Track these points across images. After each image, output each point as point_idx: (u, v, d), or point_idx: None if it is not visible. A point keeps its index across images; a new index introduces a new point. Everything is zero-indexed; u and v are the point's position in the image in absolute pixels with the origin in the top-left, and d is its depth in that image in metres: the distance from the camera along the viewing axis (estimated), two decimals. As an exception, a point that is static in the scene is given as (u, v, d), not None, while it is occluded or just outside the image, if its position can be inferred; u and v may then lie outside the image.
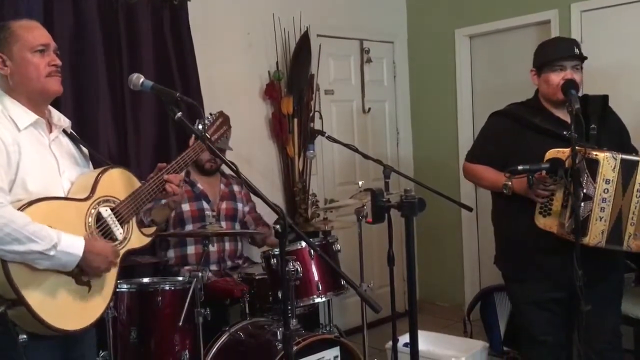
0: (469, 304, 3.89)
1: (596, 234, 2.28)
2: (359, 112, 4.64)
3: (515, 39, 4.17)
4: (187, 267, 3.03)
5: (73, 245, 1.78)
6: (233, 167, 1.84)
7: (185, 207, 3.08)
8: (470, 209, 3.06)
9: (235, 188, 3.30)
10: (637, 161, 2.26)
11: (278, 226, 1.73)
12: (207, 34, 3.67)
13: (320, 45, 4.18)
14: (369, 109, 4.66)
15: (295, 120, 3.96)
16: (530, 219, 2.39)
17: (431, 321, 4.18)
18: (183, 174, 2.18)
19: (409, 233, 1.71)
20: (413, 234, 1.75)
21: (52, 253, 1.73)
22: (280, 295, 2.69)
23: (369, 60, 4.62)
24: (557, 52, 2.48)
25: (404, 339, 2.82)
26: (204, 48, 3.62)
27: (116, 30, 3.22)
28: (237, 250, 3.21)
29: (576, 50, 2.47)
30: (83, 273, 1.85)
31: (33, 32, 1.92)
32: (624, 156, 2.27)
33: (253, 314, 2.79)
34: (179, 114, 1.93)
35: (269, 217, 3.25)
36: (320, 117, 4.16)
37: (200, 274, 2.50)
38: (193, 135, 3.10)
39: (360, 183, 3.12)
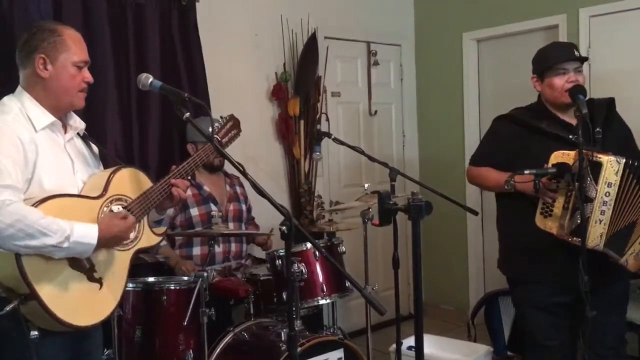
0: (473, 308, 3.89)
1: (595, 237, 2.28)
2: (366, 114, 4.64)
3: (523, 43, 4.17)
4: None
5: (87, 235, 1.80)
6: (240, 168, 1.85)
7: (194, 211, 3.09)
8: (475, 213, 3.06)
9: (238, 189, 3.32)
10: None
11: (284, 227, 1.73)
12: (214, 34, 3.69)
13: (327, 47, 4.19)
14: (376, 111, 4.67)
15: (302, 121, 3.97)
16: (534, 223, 2.39)
17: (435, 325, 4.18)
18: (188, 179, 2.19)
19: (416, 236, 1.71)
20: (420, 237, 1.75)
21: (65, 245, 1.75)
22: (284, 296, 2.69)
23: (376, 63, 4.63)
24: (558, 56, 2.48)
25: (408, 342, 2.82)
26: (212, 49, 3.63)
27: (124, 31, 3.24)
28: (242, 250, 3.23)
29: (576, 53, 2.47)
30: (95, 269, 1.87)
31: (80, 46, 1.98)
32: (629, 161, 2.27)
33: (257, 315, 2.80)
34: (187, 114, 1.95)
35: (275, 218, 3.25)
36: (327, 119, 4.16)
37: (205, 274, 2.51)
38: (189, 144, 3.15)
39: (366, 185, 3.12)
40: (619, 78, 3.73)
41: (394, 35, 4.79)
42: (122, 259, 1.97)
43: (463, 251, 4.70)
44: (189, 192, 2.24)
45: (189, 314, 2.47)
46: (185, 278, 2.71)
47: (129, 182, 2.04)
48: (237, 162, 1.88)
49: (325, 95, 4.20)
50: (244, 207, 3.30)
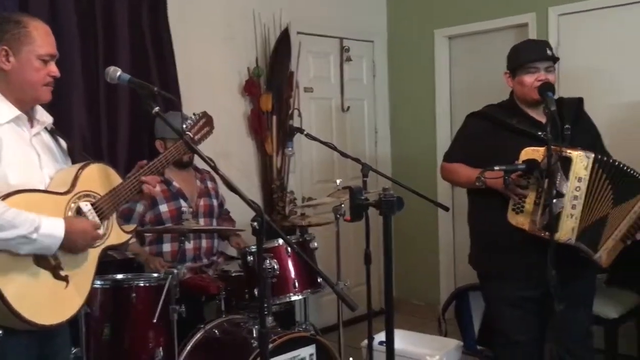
0: (444, 303, 3.92)
1: (567, 231, 2.31)
2: (338, 110, 4.64)
3: (494, 40, 4.21)
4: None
5: (54, 227, 1.77)
6: (211, 163, 1.83)
7: (163, 207, 3.05)
8: (446, 209, 3.09)
9: (209, 184, 3.28)
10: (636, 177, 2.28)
11: (255, 223, 1.72)
12: (186, 28, 3.64)
13: (300, 43, 4.17)
14: (348, 107, 4.67)
15: (274, 117, 3.95)
16: (504, 217, 2.42)
17: (406, 320, 4.20)
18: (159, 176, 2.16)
19: (388, 232, 1.71)
20: (391, 233, 1.75)
21: (34, 236, 1.72)
22: (256, 293, 2.68)
23: (349, 59, 4.63)
24: (530, 54, 2.51)
25: (380, 337, 2.83)
26: (183, 42, 3.59)
27: (93, 22, 3.17)
28: (213, 247, 3.20)
29: (548, 52, 2.50)
30: (61, 267, 1.83)
31: (47, 39, 1.92)
32: (597, 155, 2.31)
33: (229, 311, 2.78)
34: (157, 108, 1.92)
35: (247, 214, 3.23)
36: (300, 115, 4.15)
37: (175, 271, 2.48)
38: (157, 141, 3.11)
39: (338, 181, 3.12)
40: (587, 76, 3.79)
41: (367, 31, 4.79)
42: (89, 256, 1.93)
43: (434, 247, 4.75)
44: (157, 187, 2.21)
45: (158, 311, 2.44)
46: (155, 275, 2.67)
47: (98, 178, 2.00)
48: (207, 157, 1.86)
49: (298, 91, 4.19)
50: (214, 202, 3.27)
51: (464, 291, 3.73)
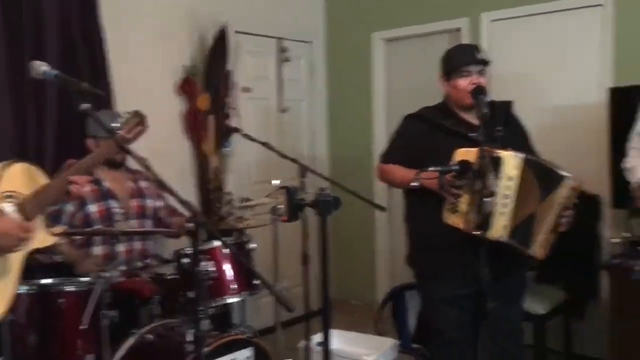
0: (380, 303, 3.96)
1: (499, 228, 2.37)
2: (276, 110, 4.62)
3: (429, 44, 4.30)
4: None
5: None
6: (144, 162, 1.77)
7: (93, 207, 2.92)
8: (383, 209, 3.11)
9: (143, 184, 3.17)
10: (563, 176, 2.34)
11: (191, 224, 1.68)
12: (118, 24, 3.53)
13: (238, 42, 4.13)
14: (286, 108, 4.66)
15: (211, 117, 3.88)
16: (440, 217, 2.46)
17: (344, 320, 4.22)
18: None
19: (324, 231, 1.70)
20: (328, 233, 1.75)
21: None
22: (192, 296, 2.62)
23: (287, 59, 4.62)
24: (462, 58, 2.57)
25: (318, 338, 2.83)
26: (116, 39, 3.48)
27: (19, 16, 3.03)
28: (147, 249, 3.10)
29: (480, 56, 2.57)
30: None
31: None
32: (526, 156, 2.38)
33: (163, 315, 2.70)
34: (86, 106, 1.84)
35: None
36: (237, 115, 4.10)
37: (106, 275, 2.39)
38: (89, 139, 2.99)
39: (275, 182, 3.09)
40: (516, 80, 3.93)
41: (305, 32, 4.80)
42: (12, 260, 1.84)
43: (371, 247, 4.80)
44: (87, 187, 2.12)
45: (88, 316, 2.35)
46: (85, 279, 2.56)
47: (22, 177, 1.91)
48: (140, 157, 1.80)
49: (236, 91, 4.14)
50: (149, 203, 3.17)
51: (400, 290, 3.77)
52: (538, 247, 2.39)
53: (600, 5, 3.64)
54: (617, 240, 3.24)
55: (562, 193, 2.33)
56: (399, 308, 3.76)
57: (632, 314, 3.06)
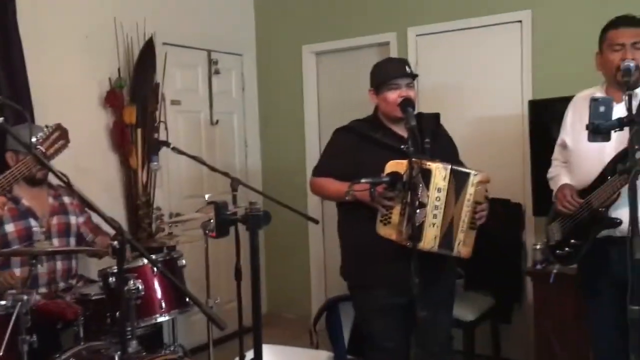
0: (315, 315, 3.96)
1: (430, 239, 2.42)
2: (207, 123, 4.56)
3: (359, 57, 4.37)
4: (10, 291, 2.72)
5: None
6: (64, 178, 1.69)
7: (10, 227, 2.76)
8: (316, 222, 3.12)
9: (66, 200, 3.04)
10: (469, 173, 2.44)
11: (115, 242, 1.62)
12: (38, 33, 3.38)
13: (166, 54, 4.05)
14: (217, 120, 4.60)
15: (139, 130, 3.78)
16: (372, 228, 2.49)
17: (278, 334, 4.18)
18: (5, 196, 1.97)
19: (254, 246, 1.68)
20: (258, 248, 1.73)
21: None
22: (119, 316, 2.52)
23: (217, 72, 4.57)
24: (391, 72, 2.62)
25: (251, 354, 2.78)
26: (36, 49, 3.33)
27: None
28: (71, 269, 2.96)
29: (407, 69, 2.63)
30: None
31: None
32: (456, 167, 2.45)
33: (88, 338, 2.57)
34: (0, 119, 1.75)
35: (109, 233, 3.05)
36: (166, 128, 4.01)
37: (25, 297, 2.26)
38: (8, 152, 2.84)
39: (207, 196, 3.04)
40: (443, 93, 4.04)
41: (235, 44, 4.77)
42: None
43: (305, 259, 4.79)
44: (5, 208, 2.00)
45: (5, 342, 2.21)
46: (2, 303, 2.41)
47: None
48: (60, 173, 1.72)
49: (164, 104, 4.05)
50: (72, 219, 3.03)
51: (334, 302, 3.78)
52: (461, 247, 2.45)
53: (519, 21, 3.81)
54: (539, 246, 3.38)
55: (470, 189, 2.41)
56: (333, 320, 3.77)
57: (554, 316, 3.20)
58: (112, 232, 1.68)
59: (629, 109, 1.98)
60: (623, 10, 2.43)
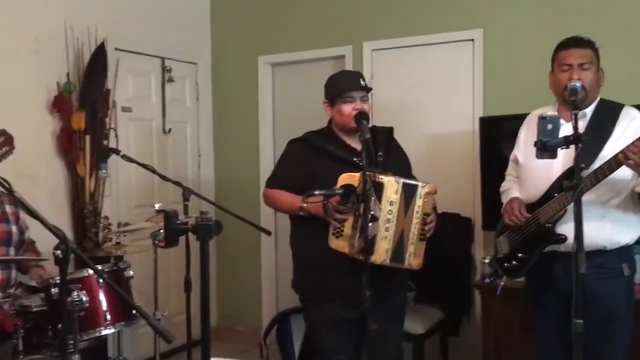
0: (265, 328, 3.92)
1: (382, 253, 2.43)
2: (159, 132, 4.48)
3: (314, 70, 4.38)
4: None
5: None
6: (5, 184, 1.63)
7: None
8: (269, 233, 3.09)
9: (8, 208, 2.93)
10: (417, 185, 2.47)
11: (59, 251, 1.56)
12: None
13: (118, 60, 3.96)
14: (170, 129, 4.53)
15: (88, 137, 3.68)
16: (325, 241, 2.48)
17: (228, 347, 4.12)
18: None
19: (204, 257, 1.65)
20: (208, 258, 1.69)
21: None
22: (61, 329, 2.42)
23: (171, 80, 4.50)
24: (346, 84, 2.63)
25: (199, 367, 2.72)
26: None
27: None
28: (10, 278, 2.85)
29: (362, 82, 2.65)
30: None
31: None
32: (406, 180, 2.47)
33: (28, 351, 2.48)
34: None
35: (52, 242, 2.95)
36: (116, 135, 3.92)
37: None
38: None
39: (157, 205, 2.98)
40: (397, 107, 4.09)
41: (190, 52, 4.71)
42: None
43: (257, 271, 4.74)
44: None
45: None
46: None
47: None
48: (2, 179, 1.65)
49: (115, 110, 3.96)
50: (13, 228, 2.92)
51: (285, 315, 3.75)
52: (412, 259, 2.47)
53: (471, 40, 3.90)
54: (487, 260, 3.45)
55: (419, 201, 2.44)
56: (284, 333, 3.74)
57: (501, 329, 3.25)
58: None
59: (575, 127, 2.05)
60: (573, 32, 2.51)
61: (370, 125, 2.57)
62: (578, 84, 2.30)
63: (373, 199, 2.39)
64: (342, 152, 2.60)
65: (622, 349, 2.42)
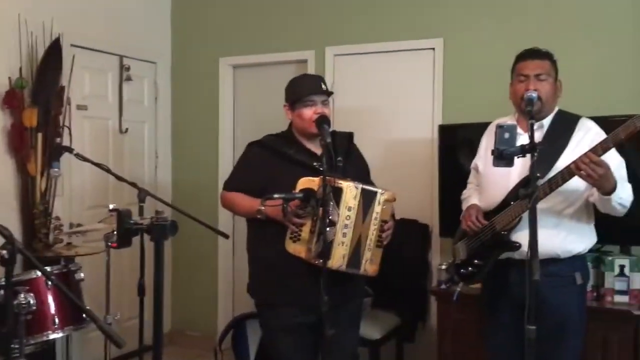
0: (221, 333, 3.86)
1: (338, 258, 2.43)
2: (116, 131, 4.38)
3: (276, 73, 4.36)
4: None
5: None
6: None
7: None
8: (226, 236, 3.06)
9: None
10: (376, 192, 2.48)
11: (5, 252, 1.49)
12: None
13: (74, 56, 3.86)
14: (127, 129, 4.43)
15: (40, 134, 3.56)
16: (282, 245, 2.46)
17: (181, 352, 4.06)
18: None
19: (159, 259, 1.60)
20: (163, 260, 1.65)
21: None
22: (5, 332, 2.33)
23: (129, 78, 4.41)
24: (307, 88, 2.62)
25: (151, 373, 2.66)
26: None
27: None
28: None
29: (323, 87, 2.64)
30: None
31: None
32: (365, 186, 2.48)
33: (-31, 356, 2.38)
34: None
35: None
36: (70, 133, 3.82)
37: None
38: None
39: (111, 206, 2.90)
40: (358, 112, 4.11)
41: (150, 52, 4.63)
42: None
43: (213, 275, 4.68)
44: None
45: None
46: None
47: None
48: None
49: (70, 108, 3.85)
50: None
51: (241, 320, 3.71)
52: (368, 265, 2.48)
53: (432, 49, 3.95)
54: (444, 266, 3.48)
55: (377, 208, 2.46)
56: (239, 338, 3.69)
57: (457, 335, 3.29)
58: None
59: (531, 137, 2.09)
60: (532, 44, 2.57)
61: (330, 129, 2.56)
62: (534, 95, 2.35)
63: (332, 203, 2.39)
64: (301, 156, 2.58)
65: (575, 356, 2.47)
